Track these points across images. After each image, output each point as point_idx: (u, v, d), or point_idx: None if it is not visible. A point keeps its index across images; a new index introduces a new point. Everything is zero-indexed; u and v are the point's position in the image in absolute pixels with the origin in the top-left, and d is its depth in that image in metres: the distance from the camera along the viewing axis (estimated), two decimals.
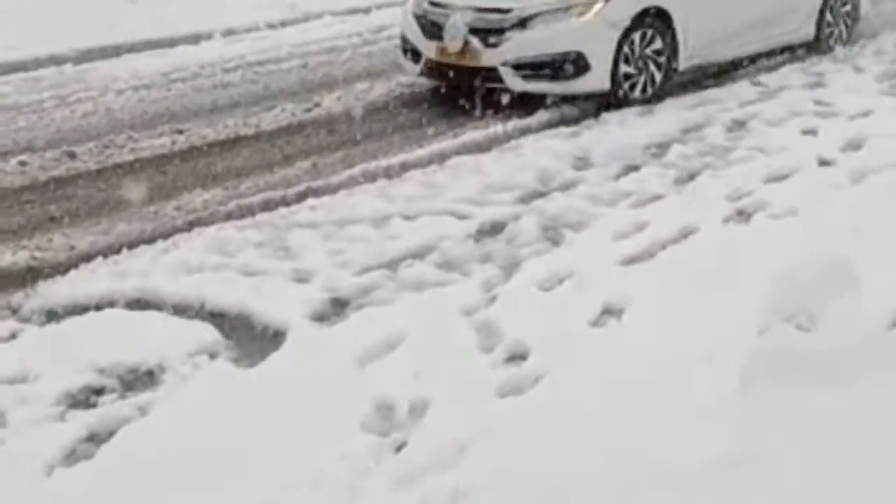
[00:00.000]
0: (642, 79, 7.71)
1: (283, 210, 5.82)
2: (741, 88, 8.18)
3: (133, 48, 9.56)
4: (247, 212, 5.81)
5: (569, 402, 3.71)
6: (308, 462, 3.47)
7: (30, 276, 5.06)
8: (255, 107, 7.83)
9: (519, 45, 7.43)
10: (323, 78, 8.66)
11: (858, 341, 3.44)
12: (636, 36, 7.61)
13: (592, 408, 3.61)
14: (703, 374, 3.67)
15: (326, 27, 10.66)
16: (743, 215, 5.62)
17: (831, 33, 9.28)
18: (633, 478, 3.11)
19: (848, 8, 9.44)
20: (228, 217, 5.74)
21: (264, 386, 4.04)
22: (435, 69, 7.79)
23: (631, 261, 5.08)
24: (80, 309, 4.72)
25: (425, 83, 8.17)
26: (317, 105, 7.84)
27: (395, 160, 6.59)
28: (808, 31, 9.13)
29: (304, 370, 4.12)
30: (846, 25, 9.44)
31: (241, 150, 6.94)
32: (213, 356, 4.30)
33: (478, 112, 7.56)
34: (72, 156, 6.76)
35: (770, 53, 8.93)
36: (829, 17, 9.23)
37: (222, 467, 3.47)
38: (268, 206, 5.87)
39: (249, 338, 4.50)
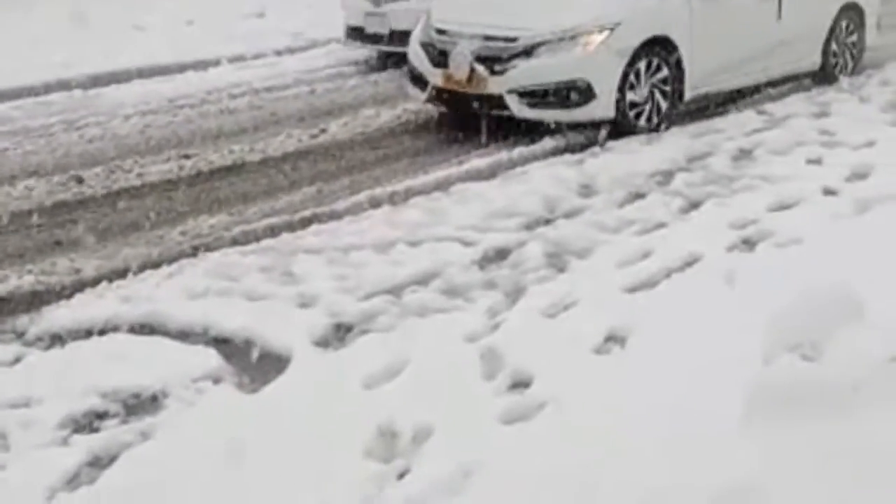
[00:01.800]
0: (648, 107, 7.73)
1: (287, 236, 5.84)
2: (746, 117, 8.20)
3: (141, 74, 9.63)
4: (252, 237, 5.82)
5: (573, 430, 3.69)
6: (311, 488, 3.45)
7: (35, 300, 5.07)
8: (261, 133, 7.88)
9: (525, 73, 7.46)
10: (329, 104, 8.70)
11: (863, 372, 3.43)
12: (642, 65, 7.64)
13: (597, 436, 3.59)
14: (707, 402, 3.65)
15: (332, 54, 10.73)
16: (748, 244, 5.62)
17: (837, 63, 9.33)
18: None
19: (854, 38, 9.48)
20: (233, 242, 5.75)
21: (267, 411, 4.02)
22: (441, 96, 7.83)
23: (635, 288, 5.07)
24: (85, 333, 4.73)
25: (431, 110, 8.21)
26: (323, 131, 7.88)
27: (400, 187, 6.61)
28: (814, 61, 9.17)
29: (307, 396, 4.10)
30: (852, 55, 9.49)
31: (246, 175, 6.97)
32: (216, 381, 4.29)
33: (483, 139, 7.59)
34: (79, 180, 6.80)
35: (776, 83, 8.96)
36: (834, 46, 9.28)
37: (224, 493, 3.46)
38: (273, 232, 5.88)
39: (253, 363, 4.49)
